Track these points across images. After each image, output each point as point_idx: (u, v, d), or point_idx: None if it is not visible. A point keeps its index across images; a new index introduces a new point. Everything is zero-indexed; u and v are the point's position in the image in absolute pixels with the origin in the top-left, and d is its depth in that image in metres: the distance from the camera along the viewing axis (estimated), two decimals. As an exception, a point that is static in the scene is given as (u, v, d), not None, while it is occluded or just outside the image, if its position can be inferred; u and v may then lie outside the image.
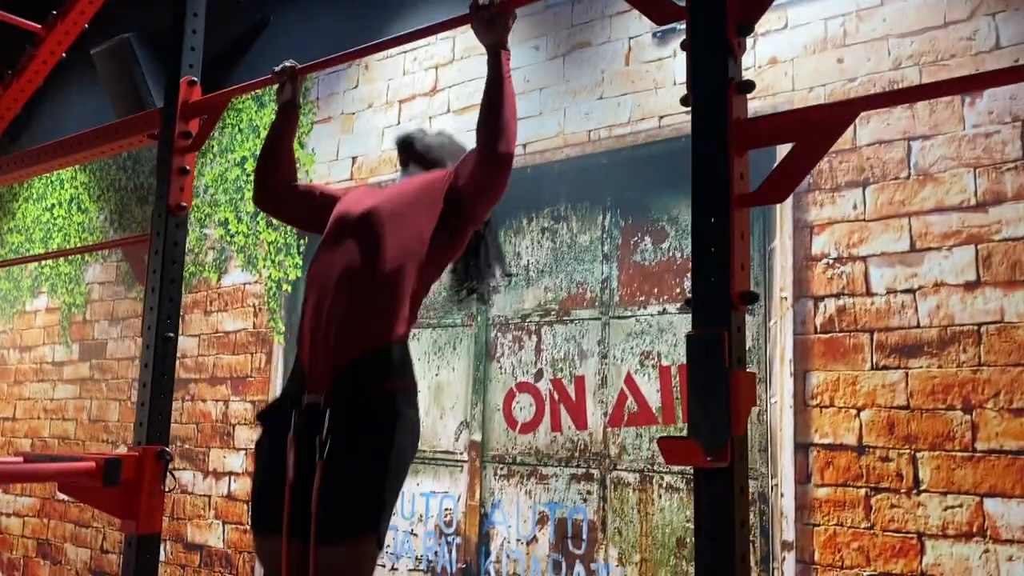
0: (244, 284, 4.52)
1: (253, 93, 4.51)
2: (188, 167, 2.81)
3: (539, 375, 3.32)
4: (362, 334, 1.89)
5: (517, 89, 3.46)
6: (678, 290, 3.03)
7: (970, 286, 2.48)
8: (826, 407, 2.66)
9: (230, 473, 4.37)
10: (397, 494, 1.87)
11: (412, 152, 2.19)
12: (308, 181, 4.14)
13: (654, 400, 3.01)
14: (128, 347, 5.12)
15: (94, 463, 2.42)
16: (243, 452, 4.34)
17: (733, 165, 1.61)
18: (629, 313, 3.14)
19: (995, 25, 2.55)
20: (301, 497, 1.81)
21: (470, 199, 1.99)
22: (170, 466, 2.53)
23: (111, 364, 5.21)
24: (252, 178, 4.61)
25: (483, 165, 1.95)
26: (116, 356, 5.19)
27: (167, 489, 2.52)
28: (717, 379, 1.51)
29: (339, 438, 1.81)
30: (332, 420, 1.82)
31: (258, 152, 4.49)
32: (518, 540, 3.25)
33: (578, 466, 3.15)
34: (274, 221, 4.38)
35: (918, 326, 2.54)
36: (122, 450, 4.88)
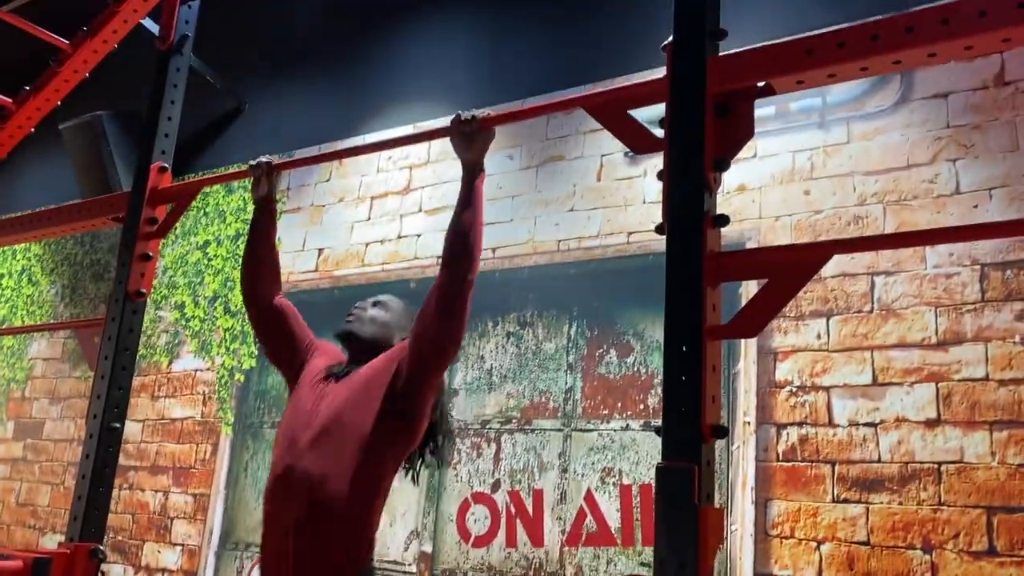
0: (195, 370, 4.40)
1: (222, 179, 4.50)
2: (151, 253, 2.75)
3: (496, 486, 3.24)
4: (331, 565, 1.82)
5: (490, 195, 3.53)
6: (642, 406, 3.01)
7: (931, 423, 2.51)
8: (787, 538, 2.63)
9: (164, 570, 4.15)
10: None
11: (357, 346, 2.08)
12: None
13: (614, 519, 2.95)
14: (67, 428, 4.92)
15: (21, 562, 2.28)
16: (179, 548, 4.13)
17: (706, 297, 1.62)
18: (592, 426, 3.10)
19: (955, 171, 2.66)
20: None
21: (426, 350, 1.89)
22: (101, 567, 2.39)
23: (47, 445, 4.99)
24: (213, 262, 4.59)
25: (448, 285, 1.89)
26: (53, 437, 4.97)
27: (97, 590, 2.37)
28: (686, 515, 1.49)
29: None
30: None
31: (221, 237, 4.49)
32: (464, 660, 3.11)
33: (532, 585, 3.05)
34: (232, 307, 4.30)
35: (879, 461, 2.55)
36: (50, 541, 4.63)
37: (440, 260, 1.91)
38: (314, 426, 1.91)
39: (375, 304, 2.16)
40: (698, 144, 1.67)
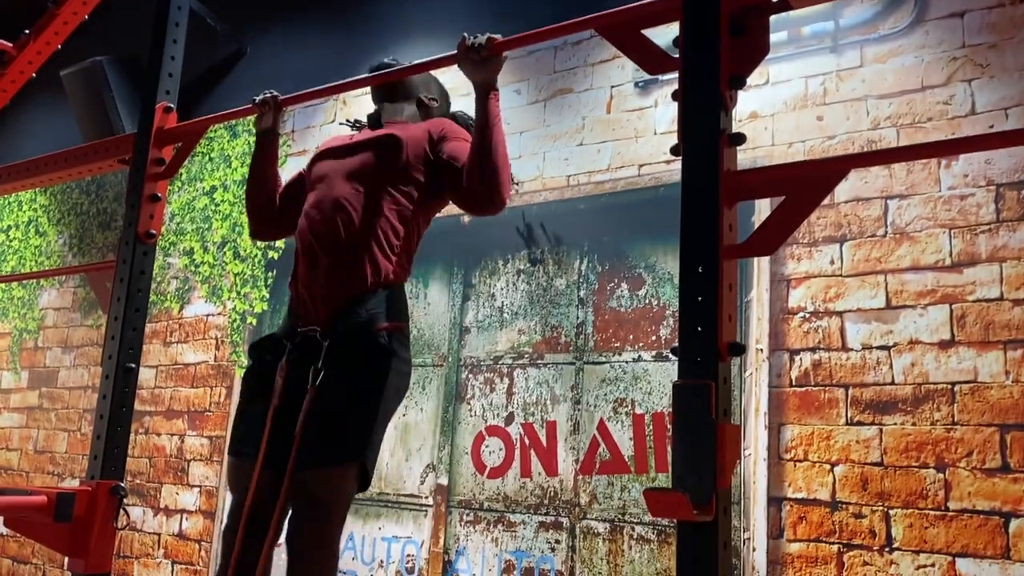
0: (207, 316, 4.42)
1: (226, 123, 4.46)
2: (159, 194, 2.75)
3: (510, 419, 3.27)
4: (361, 274, 1.91)
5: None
6: (653, 338, 3.02)
7: (944, 345, 2.51)
8: (800, 461, 2.65)
9: (182, 511, 4.23)
10: (384, 431, 1.88)
11: (387, 84, 2.22)
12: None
13: (627, 448, 2.98)
14: (81, 376, 4.96)
15: (45, 497, 2.32)
16: (197, 490, 4.20)
17: (723, 216, 1.61)
18: (603, 359, 3.11)
19: (971, 91, 2.62)
20: (284, 423, 1.83)
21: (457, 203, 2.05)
22: (123, 502, 2.43)
23: (62, 393, 5.04)
24: (221, 207, 4.58)
25: (474, 206, 1.99)
26: (68, 385, 5.02)
27: (119, 527, 2.42)
28: (704, 431, 1.50)
29: (333, 368, 1.83)
30: (328, 350, 1.84)
31: (227, 182, 4.47)
32: (482, 589, 3.18)
33: (547, 514, 3.10)
34: (242, 252, 4.30)
35: (892, 383, 2.56)
36: (70, 483, 4.70)
37: (467, 175, 1.95)
38: (348, 164, 2.03)
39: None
40: (713, 61, 1.65)
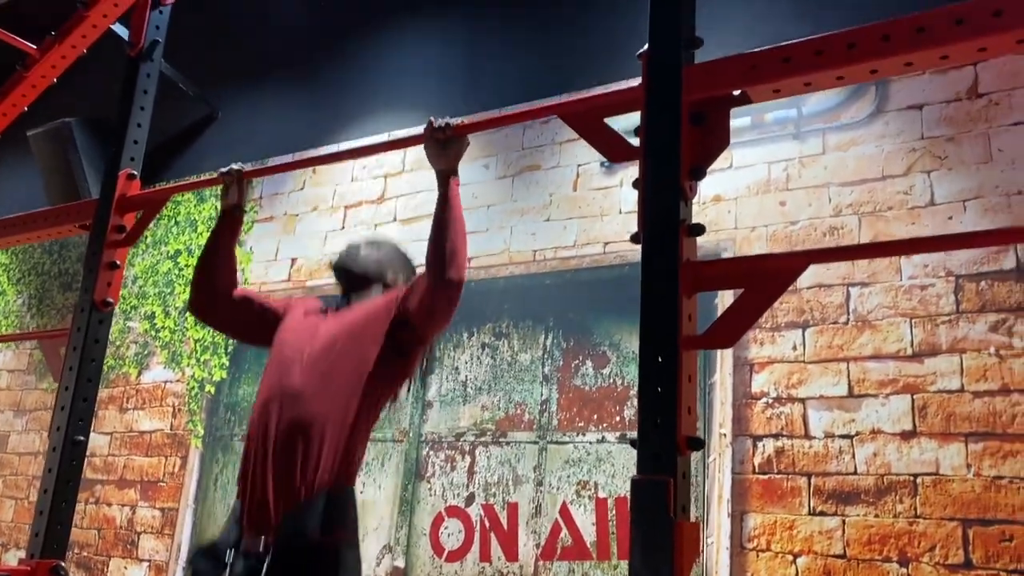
0: (165, 382, 4.32)
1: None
2: (118, 262, 2.69)
3: (471, 499, 3.20)
4: (309, 480, 1.82)
5: (465, 204, 3.47)
6: (618, 418, 2.99)
7: (906, 435, 2.50)
8: (763, 551, 2.61)
9: (130, 586, 4.06)
10: None
11: (351, 278, 2.13)
12: (243, 282, 4.05)
13: (589, 533, 2.91)
14: (32, 441, 4.81)
15: (-23, 580, 2.21)
16: (147, 564, 4.04)
17: (682, 307, 1.59)
18: (567, 439, 3.07)
19: (929, 182, 2.67)
20: None
21: (422, 323, 1.94)
22: (64, 582, 2.32)
23: (11, 459, 4.87)
24: (184, 272, 4.52)
25: (434, 291, 1.90)
26: (18, 450, 4.86)
27: (59, 609, 2.30)
28: (661, 530, 1.46)
29: None
30: (271, 567, 1.74)
31: (192, 246, 4.42)
32: (437, 677, 3.06)
33: (506, 600, 3.01)
34: (204, 318, 4.24)
35: (855, 472, 2.53)
36: (13, 557, 4.51)
37: (424, 265, 1.91)
38: (308, 353, 1.94)
39: (368, 244, 2.20)
40: (674, 153, 1.65)
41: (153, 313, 4.48)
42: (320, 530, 1.78)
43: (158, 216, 4.50)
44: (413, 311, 1.93)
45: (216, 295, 2.18)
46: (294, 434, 1.84)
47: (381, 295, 2.08)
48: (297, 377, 1.91)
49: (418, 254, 2.02)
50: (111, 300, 2.64)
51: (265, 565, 1.74)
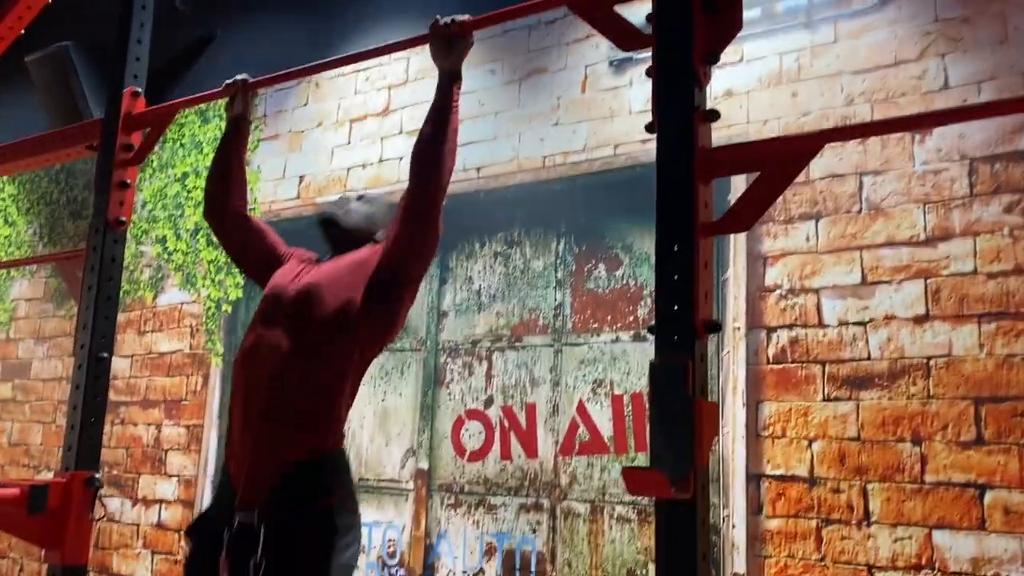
0: (181, 303, 4.37)
1: (197, 108, 4.39)
2: (128, 181, 2.69)
3: (489, 402, 3.26)
4: (295, 443, 1.78)
5: (472, 112, 3.46)
6: (631, 318, 3.02)
7: (919, 320, 2.53)
8: (778, 438, 2.67)
9: (160, 501, 4.19)
10: None
11: (338, 234, 2.02)
12: (253, 202, 4.05)
13: (606, 429, 2.98)
14: (55, 367, 4.90)
15: (18, 489, 2.28)
16: (175, 479, 4.16)
17: (698, 193, 1.60)
18: (582, 340, 3.11)
19: (943, 66, 2.63)
20: None
21: (403, 249, 1.86)
22: (99, 493, 2.39)
23: (35, 385, 4.97)
24: (193, 193, 4.52)
25: (415, 199, 1.84)
26: (41, 377, 4.95)
27: (95, 518, 2.38)
28: (681, 409, 1.49)
29: (274, 560, 1.69)
30: (266, 540, 1.70)
31: (199, 168, 4.41)
32: (464, 572, 3.18)
33: (527, 496, 3.10)
34: (215, 239, 4.25)
35: (869, 358, 2.57)
36: (45, 475, 4.65)
37: (409, 168, 1.85)
38: (289, 301, 1.87)
39: (359, 198, 2.12)
40: (687, 37, 1.63)
41: (164, 236, 4.49)
42: (312, 498, 1.75)
43: (163, 138, 4.49)
44: (394, 237, 1.86)
45: (228, 209, 2.15)
46: (275, 395, 1.78)
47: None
48: (278, 331, 1.83)
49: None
50: (124, 218, 2.65)
51: (260, 540, 1.71)
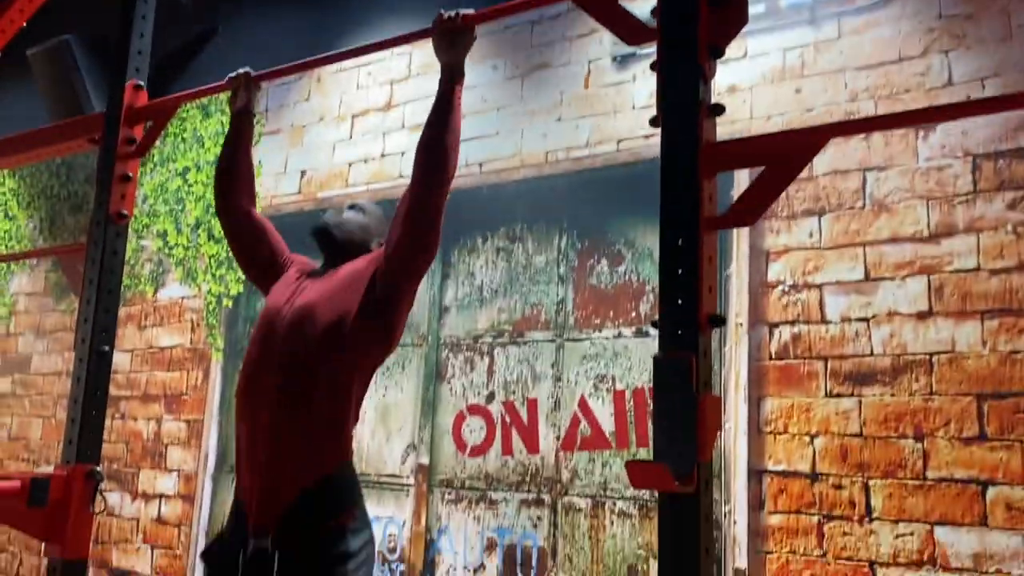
0: (182, 298, 4.36)
1: (198, 102, 4.39)
2: (131, 174, 2.69)
3: (491, 397, 3.26)
4: (304, 468, 1.78)
5: (475, 108, 3.46)
6: (634, 314, 3.02)
7: (922, 316, 2.52)
8: (780, 434, 2.67)
9: (160, 495, 4.19)
10: None
11: (332, 244, 2.00)
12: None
13: (608, 424, 2.98)
14: (55, 362, 4.89)
15: (19, 482, 2.28)
16: (175, 474, 4.16)
17: (703, 188, 1.59)
18: (584, 336, 3.11)
19: (947, 62, 2.62)
20: None
21: (403, 250, 1.84)
22: (100, 487, 2.39)
23: (35, 380, 4.97)
24: (194, 188, 4.51)
25: (418, 196, 1.82)
26: (41, 371, 4.95)
27: (96, 511, 2.38)
28: (684, 403, 1.49)
29: None
30: (281, 565, 1.72)
31: (200, 163, 4.40)
32: (465, 567, 3.17)
33: (529, 491, 3.10)
34: (216, 233, 4.25)
35: (871, 354, 2.57)
36: (45, 470, 4.65)
37: (412, 166, 1.84)
38: (288, 319, 1.85)
39: (351, 207, 2.11)
40: (692, 31, 1.63)
41: (165, 231, 4.49)
42: (324, 521, 1.76)
43: (164, 132, 4.47)
44: (396, 239, 1.84)
45: (237, 204, 2.15)
46: (279, 421, 1.78)
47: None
48: (275, 356, 1.82)
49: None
50: (126, 212, 2.64)
51: (275, 563, 1.72)
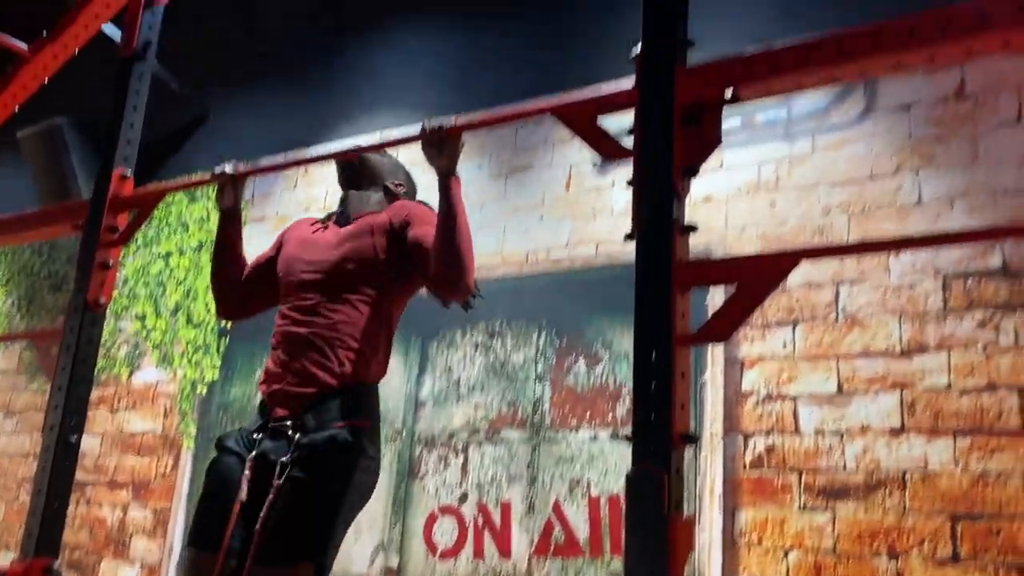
0: (156, 382, 4.31)
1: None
2: (111, 262, 2.69)
3: (463, 498, 3.21)
4: (332, 375, 1.91)
5: (459, 204, 3.50)
6: (610, 416, 3.01)
7: (895, 432, 2.53)
8: (754, 546, 2.63)
9: (121, 587, 4.05)
10: (346, 529, 1.85)
11: (352, 172, 2.18)
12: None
13: (582, 530, 2.93)
14: (23, 443, 4.79)
15: (-29, 580, 2.21)
16: (138, 564, 4.03)
17: (675, 305, 1.61)
18: (560, 436, 3.09)
19: (918, 181, 2.70)
20: (249, 518, 1.81)
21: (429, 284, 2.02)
22: (57, 581, 2.32)
23: (0, 461, 4.85)
24: (175, 272, 4.51)
25: (443, 291, 1.98)
26: (8, 452, 4.84)
27: (52, 608, 2.30)
28: (655, 524, 1.48)
29: (299, 465, 1.81)
30: (297, 444, 1.84)
31: (184, 247, 4.41)
32: (431, 675, 3.07)
33: (499, 597, 3.02)
34: (195, 318, 4.23)
35: (845, 469, 2.56)
36: (4, 558, 4.50)
37: (433, 259, 1.93)
38: (315, 266, 2.01)
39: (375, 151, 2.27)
40: (667, 153, 1.67)
41: (144, 313, 4.47)
42: (344, 417, 1.87)
43: (149, 217, 4.50)
44: (424, 275, 2.00)
45: (236, 297, 2.22)
46: (313, 343, 1.92)
47: (380, 202, 2.14)
48: (309, 291, 1.98)
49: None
50: (104, 300, 2.64)
51: (292, 445, 1.84)
